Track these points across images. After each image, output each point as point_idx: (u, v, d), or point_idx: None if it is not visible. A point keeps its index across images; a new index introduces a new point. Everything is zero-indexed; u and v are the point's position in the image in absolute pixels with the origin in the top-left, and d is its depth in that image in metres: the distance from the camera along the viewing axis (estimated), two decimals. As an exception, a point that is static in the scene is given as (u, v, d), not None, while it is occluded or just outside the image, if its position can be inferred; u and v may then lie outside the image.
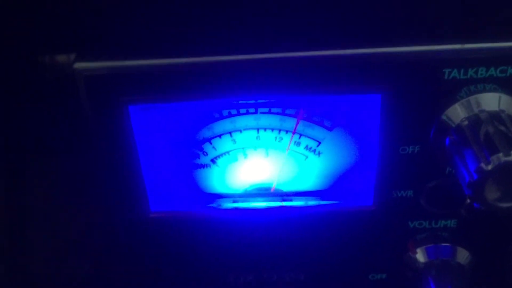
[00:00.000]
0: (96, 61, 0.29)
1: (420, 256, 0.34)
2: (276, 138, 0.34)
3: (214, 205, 0.36)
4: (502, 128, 0.26)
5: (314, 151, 0.35)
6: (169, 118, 0.33)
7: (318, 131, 0.34)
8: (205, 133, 0.34)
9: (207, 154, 0.35)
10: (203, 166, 0.35)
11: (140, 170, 0.33)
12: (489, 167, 0.24)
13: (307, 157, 0.35)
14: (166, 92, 0.30)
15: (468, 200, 0.32)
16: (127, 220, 0.34)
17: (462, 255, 0.34)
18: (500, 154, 0.24)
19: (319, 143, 0.34)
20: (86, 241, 0.35)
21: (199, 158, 0.35)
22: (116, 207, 0.34)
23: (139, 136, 0.32)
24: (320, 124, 0.33)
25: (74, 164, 0.32)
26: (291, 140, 0.34)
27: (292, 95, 0.30)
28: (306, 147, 0.34)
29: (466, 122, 0.27)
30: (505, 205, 0.25)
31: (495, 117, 0.27)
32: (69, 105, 0.30)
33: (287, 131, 0.34)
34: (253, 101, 0.32)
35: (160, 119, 0.33)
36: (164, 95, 0.30)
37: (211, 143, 0.35)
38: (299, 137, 0.34)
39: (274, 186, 0.36)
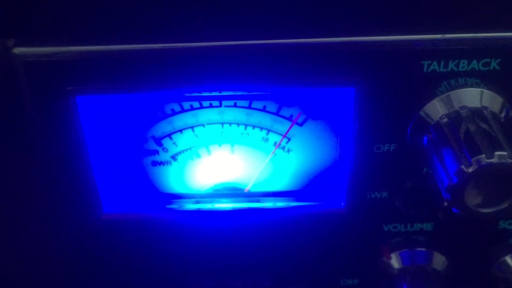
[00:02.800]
0: (39, 46, 0.26)
1: (395, 261, 0.32)
2: (242, 133, 0.32)
3: (174, 206, 0.33)
4: (485, 126, 0.24)
5: (284, 148, 0.32)
6: (122, 111, 0.30)
7: (287, 127, 0.31)
8: (165, 127, 0.31)
9: (167, 150, 0.32)
10: (162, 163, 0.33)
11: (90, 167, 0.30)
12: (470, 170, 0.22)
13: (276, 154, 0.32)
14: (118, 81, 0.27)
15: (445, 203, 0.30)
16: (78, 222, 0.31)
17: (438, 260, 0.32)
18: (482, 156, 0.22)
19: (289, 139, 0.32)
20: (32, 245, 0.32)
21: (158, 155, 0.32)
22: (65, 208, 0.31)
23: (89, 131, 0.29)
24: (290, 119, 0.31)
25: (15, 162, 0.29)
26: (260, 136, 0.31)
27: (258, 86, 0.27)
28: (275, 144, 0.32)
29: (445, 119, 0.25)
30: (485, 210, 0.23)
31: (477, 114, 0.25)
32: (7, 95, 0.27)
33: (254, 126, 0.31)
34: (216, 93, 0.29)
35: (112, 112, 0.30)
36: (116, 85, 0.27)
37: (171, 138, 0.32)
38: (267, 133, 0.32)
39: (249, 187, 0.33)
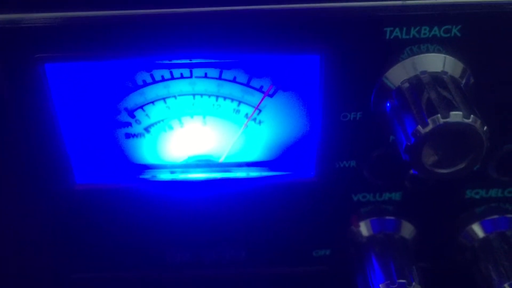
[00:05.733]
0: (5, 13, 0.26)
1: (363, 229, 0.32)
2: (213, 105, 0.32)
3: (148, 176, 0.33)
4: (443, 89, 0.24)
5: (255, 119, 0.33)
6: (93, 80, 0.30)
7: (257, 98, 0.32)
8: (137, 99, 0.32)
9: (140, 122, 0.32)
10: (136, 135, 0.33)
11: (61, 137, 0.30)
12: (427, 129, 0.23)
13: (247, 126, 0.33)
14: (88, 49, 0.27)
15: (411, 171, 0.30)
16: (50, 193, 0.32)
17: (407, 229, 0.33)
18: (438, 116, 0.23)
19: (260, 111, 0.32)
20: (3, 217, 0.33)
21: (131, 127, 0.33)
22: (37, 179, 0.31)
23: (59, 100, 0.29)
24: (260, 90, 0.31)
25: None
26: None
27: (228, 53, 0.28)
28: (246, 116, 0.32)
29: (406, 84, 0.26)
30: (443, 171, 0.24)
31: (437, 79, 0.25)
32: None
33: (225, 98, 0.32)
34: (187, 61, 0.29)
35: (82, 81, 0.30)
36: (86, 52, 0.27)
37: (143, 110, 0.32)
38: (238, 104, 0.32)
39: (223, 158, 0.34)
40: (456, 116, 0.23)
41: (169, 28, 0.27)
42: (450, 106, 0.23)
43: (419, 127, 0.23)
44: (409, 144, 0.24)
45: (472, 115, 0.23)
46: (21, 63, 0.27)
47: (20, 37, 0.26)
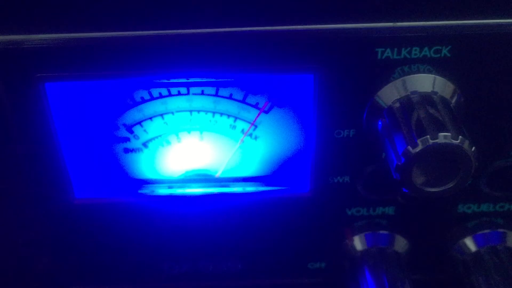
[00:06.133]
0: (6, 34, 0.27)
1: (358, 243, 0.33)
2: (210, 121, 0.33)
3: (146, 191, 0.34)
4: (432, 110, 0.25)
5: (251, 135, 0.33)
6: (92, 98, 0.31)
7: (253, 114, 0.32)
8: (135, 115, 0.32)
9: (138, 138, 0.33)
10: (134, 150, 0.34)
11: (61, 153, 0.31)
12: (416, 150, 0.23)
13: (243, 141, 0.33)
14: (87, 68, 0.28)
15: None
16: (50, 207, 0.32)
17: (400, 243, 0.33)
18: (427, 137, 0.23)
19: (256, 127, 0.33)
20: (3, 231, 0.33)
21: (129, 142, 0.33)
22: (37, 194, 0.32)
23: (59, 117, 0.30)
24: (256, 106, 0.32)
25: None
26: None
27: (224, 72, 0.28)
28: (243, 131, 0.33)
29: (397, 104, 0.26)
30: (433, 189, 0.24)
31: (427, 99, 0.26)
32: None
33: (221, 114, 0.32)
34: (184, 80, 0.30)
35: (82, 99, 0.31)
36: (85, 72, 0.28)
37: (141, 126, 0.33)
38: (234, 120, 0.33)
39: (219, 173, 0.34)
40: (445, 137, 0.23)
41: (166, 49, 0.27)
42: (439, 127, 0.24)
43: (409, 148, 0.24)
44: (399, 163, 0.24)
45: (460, 136, 0.24)
46: (22, 82, 0.28)
47: (21, 57, 0.27)
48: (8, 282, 0.36)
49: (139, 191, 0.34)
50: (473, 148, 0.24)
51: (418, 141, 0.23)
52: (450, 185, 0.24)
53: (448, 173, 0.24)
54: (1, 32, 0.27)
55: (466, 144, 0.23)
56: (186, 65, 0.28)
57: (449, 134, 0.23)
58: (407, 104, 0.26)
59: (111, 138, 0.33)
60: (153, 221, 0.34)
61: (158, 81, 0.29)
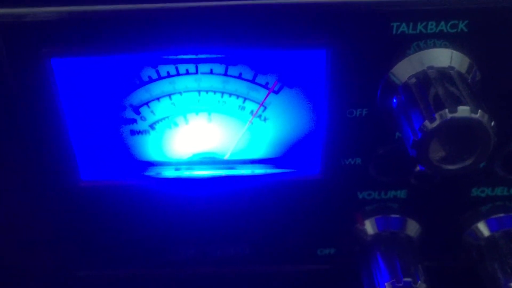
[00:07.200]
0: (12, 7, 0.26)
1: (368, 227, 0.32)
2: (218, 101, 0.32)
3: (152, 173, 0.33)
4: (450, 85, 0.24)
5: (260, 116, 0.32)
6: (99, 75, 0.30)
7: (263, 95, 0.32)
8: (143, 95, 0.32)
9: (145, 119, 0.32)
10: (141, 132, 0.33)
11: (67, 133, 0.30)
12: (434, 125, 0.23)
13: (252, 123, 0.33)
14: (95, 43, 0.27)
15: (417, 168, 0.30)
16: (56, 189, 0.32)
17: (412, 227, 0.33)
18: (446, 110, 0.23)
19: (265, 108, 0.32)
20: (10, 213, 0.33)
21: (136, 123, 0.33)
22: (42, 175, 0.31)
23: (65, 95, 0.29)
24: (266, 87, 0.31)
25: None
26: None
27: (234, 48, 0.28)
28: (251, 112, 0.32)
29: (413, 80, 0.25)
30: (450, 167, 0.24)
31: (444, 74, 0.25)
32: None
33: (230, 94, 0.32)
34: (192, 56, 0.29)
35: (89, 76, 0.30)
36: (93, 47, 0.27)
37: (149, 107, 0.32)
38: (244, 101, 0.32)
39: (228, 155, 0.34)
40: (463, 111, 0.23)
41: (175, 23, 0.27)
42: (458, 101, 0.23)
43: (426, 122, 0.23)
44: (416, 139, 0.23)
45: (479, 110, 0.23)
46: (27, 58, 0.27)
47: (26, 31, 0.27)
48: (13, 264, 0.35)
49: (146, 173, 0.33)
50: (493, 123, 0.23)
51: (436, 115, 0.23)
52: (468, 162, 0.24)
53: (466, 150, 0.24)
54: (5, 5, 0.26)
55: (485, 118, 0.23)
56: (195, 39, 0.27)
57: (468, 107, 0.23)
58: (424, 79, 0.25)
59: (117, 119, 0.32)
60: (159, 204, 0.33)
61: (166, 57, 0.29)
